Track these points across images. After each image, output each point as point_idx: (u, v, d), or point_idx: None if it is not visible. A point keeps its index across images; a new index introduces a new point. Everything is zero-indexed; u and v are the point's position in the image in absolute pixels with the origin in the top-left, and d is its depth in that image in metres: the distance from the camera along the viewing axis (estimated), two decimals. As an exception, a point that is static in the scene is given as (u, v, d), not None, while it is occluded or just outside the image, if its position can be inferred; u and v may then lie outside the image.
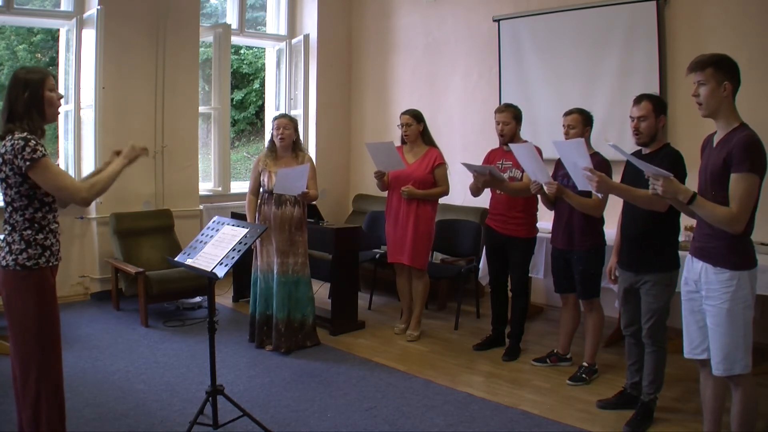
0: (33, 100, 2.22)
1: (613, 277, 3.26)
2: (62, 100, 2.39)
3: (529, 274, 4.24)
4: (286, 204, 3.94)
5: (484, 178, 3.69)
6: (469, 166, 3.72)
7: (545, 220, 4.47)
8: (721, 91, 2.27)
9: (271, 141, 4.05)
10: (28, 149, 2.13)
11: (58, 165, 2.31)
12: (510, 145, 3.60)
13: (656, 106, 2.92)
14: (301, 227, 4.02)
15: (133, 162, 2.50)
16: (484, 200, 4.11)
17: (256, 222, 3.98)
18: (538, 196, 3.65)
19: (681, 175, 2.82)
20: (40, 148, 2.16)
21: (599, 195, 3.17)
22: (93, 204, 5.03)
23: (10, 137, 2.17)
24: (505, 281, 4.08)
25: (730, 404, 2.46)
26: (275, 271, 3.97)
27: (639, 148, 3.03)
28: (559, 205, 3.54)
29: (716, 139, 2.38)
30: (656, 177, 2.26)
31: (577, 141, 2.82)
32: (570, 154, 2.85)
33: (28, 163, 2.13)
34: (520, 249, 3.91)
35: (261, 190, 4.02)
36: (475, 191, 3.86)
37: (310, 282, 4.12)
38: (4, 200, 2.25)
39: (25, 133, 2.18)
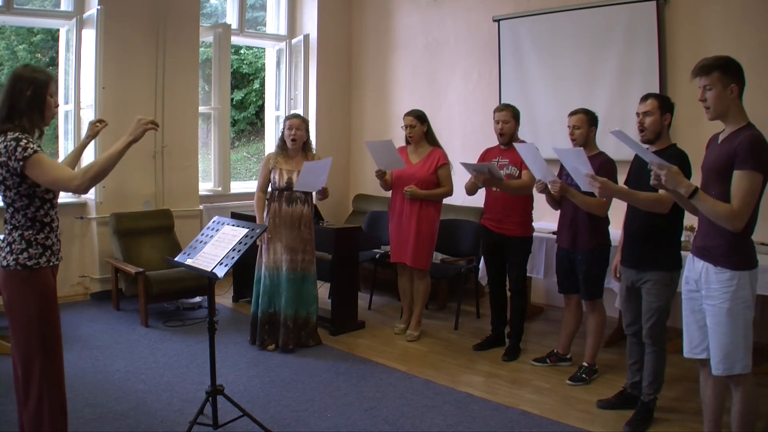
0: (37, 99, 2.22)
1: (618, 275, 3.27)
2: (59, 105, 2.40)
3: (529, 274, 4.24)
4: (297, 202, 3.96)
5: (483, 176, 3.69)
6: (467, 166, 3.72)
7: (546, 220, 4.47)
8: (728, 93, 2.28)
9: (282, 140, 4.06)
10: (19, 149, 2.12)
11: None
12: (515, 144, 3.60)
13: (662, 103, 2.94)
14: (310, 225, 4.05)
15: (139, 139, 2.30)
16: (483, 200, 4.11)
17: (265, 219, 4.00)
18: (535, 196, 3.65)
19: (686, 175, 2.82)
20: (32, 146, 2.14)
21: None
22: (93, 204, 5.04)
23: (2, 138, 2.15)
24: (503, 281, 4.08)
25: (730, 404, 2.46)
26: (284, 269, 3.98)
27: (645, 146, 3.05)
28: (564, 204, 3.54)
29: (722, 137, 2.39)
30: (660, 167, 2.27)
31: (577, 150, 2.87)
32: (571, 161, 2.90)
33: (21, 162, 2.12)
34: (517, 249, 3.91)
35: (270, 188, 4.03)
36: (471, 189, 3.86)
37: (316, 280, 4.13)
38: (5, 201, 2.25)
39: (17, 133, 2.16)
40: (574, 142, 3.48)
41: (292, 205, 3.96)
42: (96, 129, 2.79)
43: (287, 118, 4.12)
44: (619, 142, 2.39)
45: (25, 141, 2.15)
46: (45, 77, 2.26)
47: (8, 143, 2.13)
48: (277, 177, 3.98)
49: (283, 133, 4.06)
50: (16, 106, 2.20)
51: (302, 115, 6.41)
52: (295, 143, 3.99)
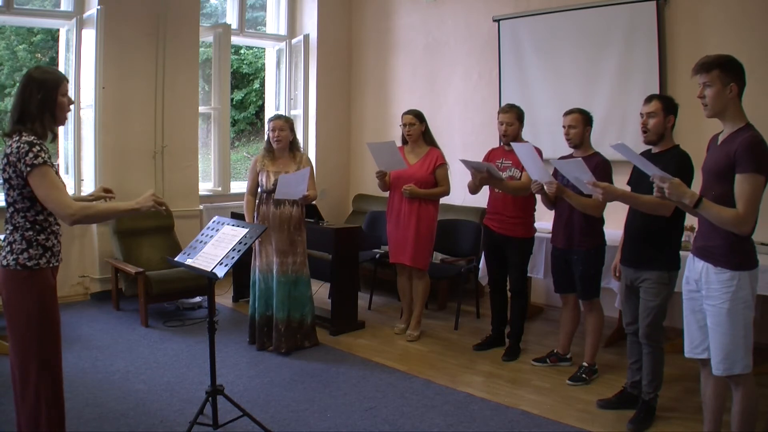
0: (47, 102, 2.22)
1: (618, 274, 3.27)
2: (72, 105, 2.39)
3: (529, 274, 4.23)
4: (285, 204, 3.94)
5: (481, 175, 3.69)
6: (467, 163, 3.72)
7: (545, 220, 4.47)
8: (726, 92, 2.28)
9: (268, 141, 4.04)
10: (31, 155, 2.13)
11: (58, 174, 2.28)
12: (512, 144, 3.61)
13: (666, 105, 2.94)
14: (300, 227, 4.03)
15: (142, 212, 2.41)
16: (484, 200, 4.11)
17: (255, 222, 3.98)
18: (537, 196, 3.65)
19: (688, 176, 2.82)
20: (43, 155, 2.15)
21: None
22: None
23: (17, 138, 2.16)
24: (504, 281, 4.07)
25: (730, 404, 2.46)
26: (275, 271, 3.97)
27: (647, 147, 3.05)
28: (560, 204, 3.54)
29: (721, 138, 2.38)
30: (662, 179, 2.27)
31: (576, 161, 2.90)
32: (572, 171, 2.93)
33: (28, 168, 2.13)
34: (518, 249, 3.91)
35: (259, 190, 4.02)
36: (474, 189, 3.86)
37: (309, 282, 4.12)
38: (7, 201, 2.25)
39: (33, 138, 2.17)
40: (569, 142, 3.48)
41: (279, 207, 3.93)
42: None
43: (270, 119, 4.08)
44: (615, 141, 2.40)
45: (38, 148, 2.15)
46: (55, 79, 2.25)
47: (21, 145, 2.14)
48: (264, 179, 3.96)
49: (268, 134, 4.04)
50: (27, 109, 2.20)
51: (300, 115, 6.47)
52: (280, 143, 3.96)
